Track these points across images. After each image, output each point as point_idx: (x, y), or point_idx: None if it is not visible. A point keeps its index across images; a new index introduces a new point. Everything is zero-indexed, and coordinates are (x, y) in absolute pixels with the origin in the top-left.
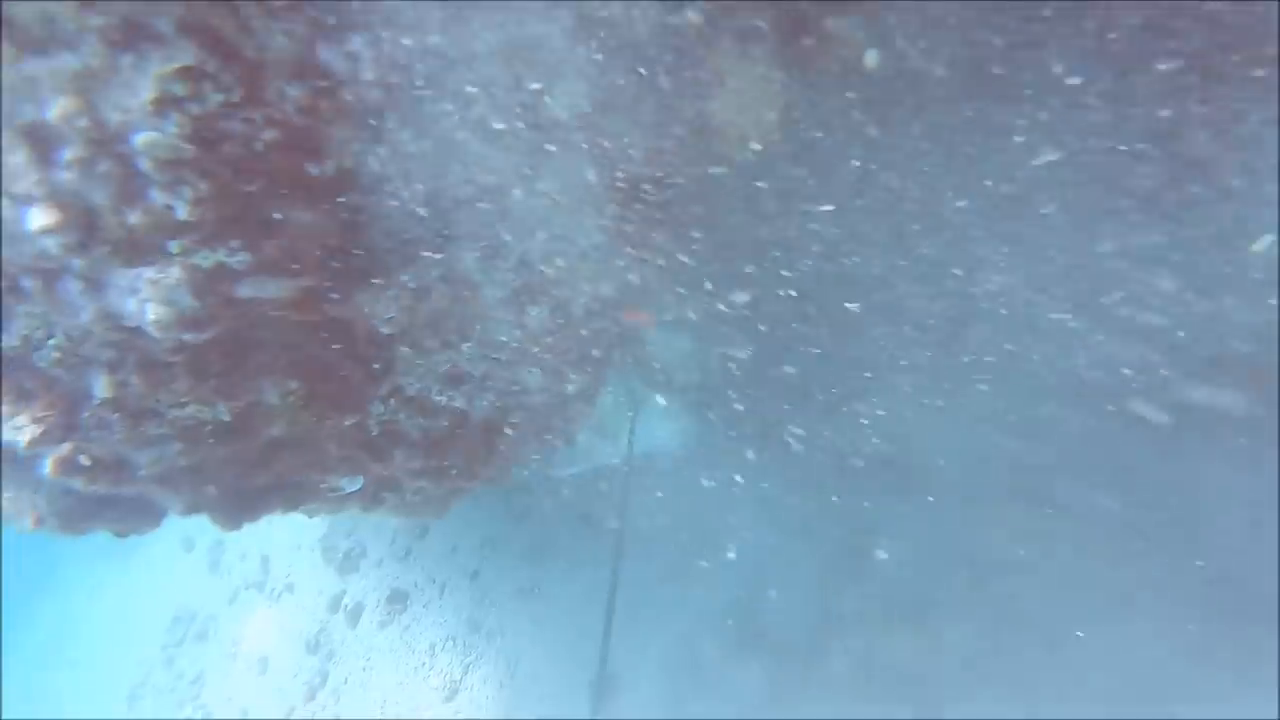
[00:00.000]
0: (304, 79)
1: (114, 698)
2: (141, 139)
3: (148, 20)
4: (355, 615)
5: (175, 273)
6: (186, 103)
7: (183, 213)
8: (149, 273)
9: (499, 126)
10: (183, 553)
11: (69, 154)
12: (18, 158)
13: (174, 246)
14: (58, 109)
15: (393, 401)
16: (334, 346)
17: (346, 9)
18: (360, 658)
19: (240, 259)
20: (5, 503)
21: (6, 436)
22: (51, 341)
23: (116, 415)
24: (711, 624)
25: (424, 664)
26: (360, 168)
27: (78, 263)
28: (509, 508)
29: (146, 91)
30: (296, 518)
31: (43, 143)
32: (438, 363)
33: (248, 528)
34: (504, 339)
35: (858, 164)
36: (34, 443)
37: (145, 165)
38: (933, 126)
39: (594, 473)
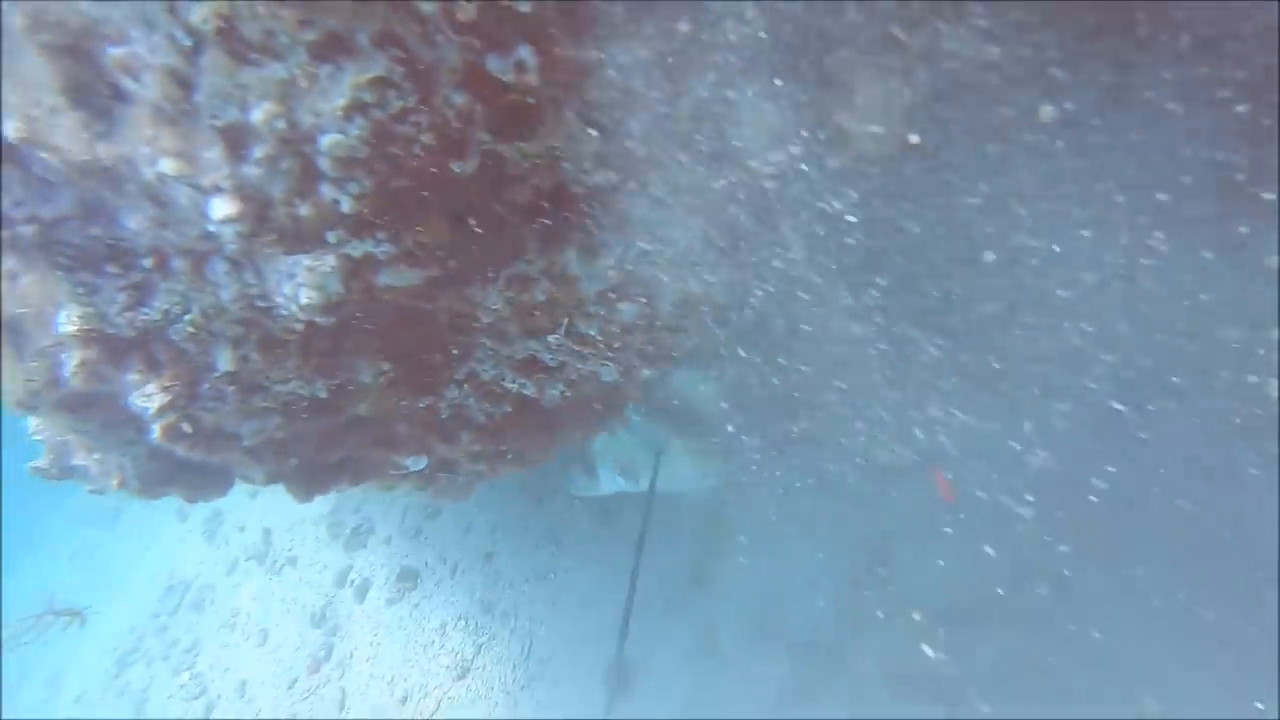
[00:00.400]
0: (468, 88)
1: (101, 663)
2: (328, 140)
3: (350, 34)
4: (363, 591)
5: (330, 260)
6: (372, 109)
7: (346, 206)
8: (307, 260)
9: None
10: (176, 522)
11: (260, 152)
12: (212, 154)
13: (332, 237)
14: (262, 113)
15: (466, 386)
16: (423, 331)
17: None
18: (368, 633)
19: (385, 249)
20: (93, 464)
21: (135, 403)
22: (187, 317)
23: (232, 388)
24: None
25: (434, 642)
26: (497, 168)
27: (233, 247)
28: (525, 491)
29: (340, 98)
30: None
31: (237, 142)
32: (517, 350)
33: (247, 502)
34: (590, 332)
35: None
36: (160, 410)
37: (324, 163)
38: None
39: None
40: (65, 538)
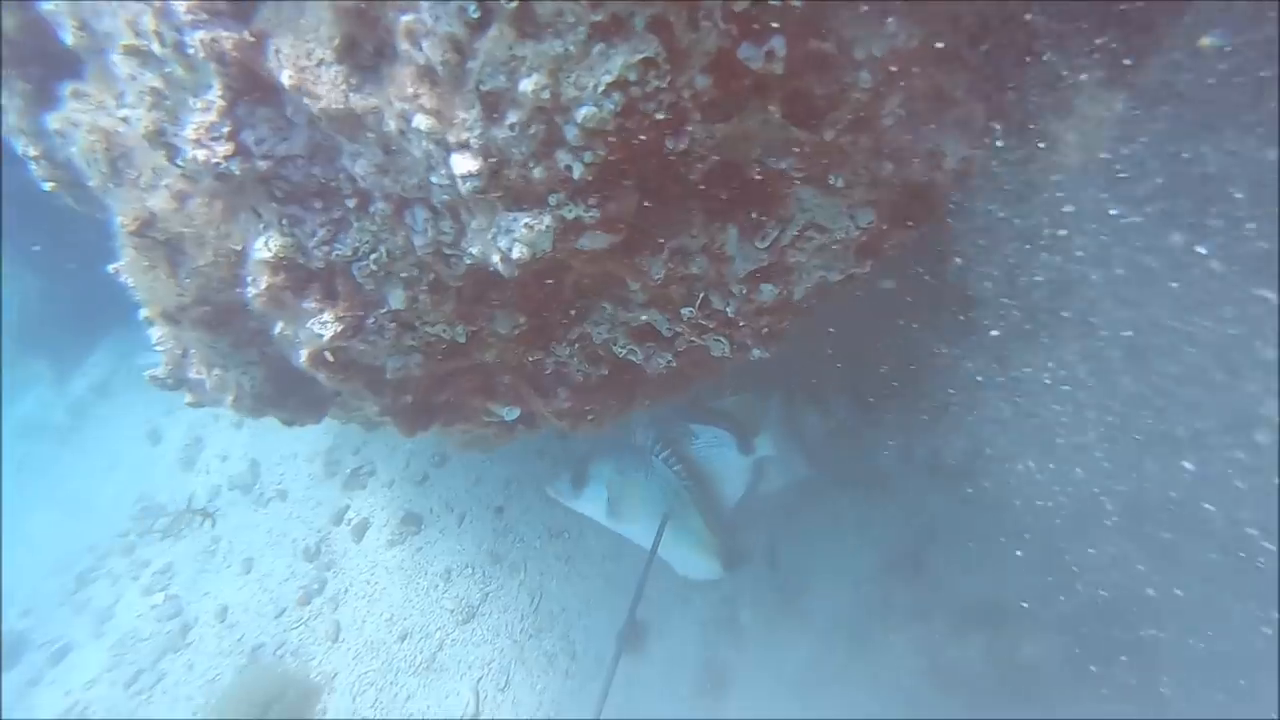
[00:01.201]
0: (713, 71)
1: (56, 580)
2: (584, 112)
3: (629, 17)
4: (361, 530)
5: (547, 220)
6: (632, 86)
7: (577, 173)
8: (526, 218)
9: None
10: (148, 445)
11: (514, 118)
12: (469, 115)
13: (553, 199)
14: (532, 83)
15: (576, 345)
16: (554, 289)
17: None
18: (364, 571)
19: (592, 214)
20: (210, 379)
21: (312, 329)
22: (373, 256)
23: (393, 325)
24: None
25: (438, 586)
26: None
27: (445, 198)
28: (541, 449)
29: (607, 76)
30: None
31: (495, 106)
32: (637, 317)
33: (231, 431)
34: (725, 309)
35: None
36: (334, 338)
37: (571, 133)
38: None
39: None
40: (7, 449)
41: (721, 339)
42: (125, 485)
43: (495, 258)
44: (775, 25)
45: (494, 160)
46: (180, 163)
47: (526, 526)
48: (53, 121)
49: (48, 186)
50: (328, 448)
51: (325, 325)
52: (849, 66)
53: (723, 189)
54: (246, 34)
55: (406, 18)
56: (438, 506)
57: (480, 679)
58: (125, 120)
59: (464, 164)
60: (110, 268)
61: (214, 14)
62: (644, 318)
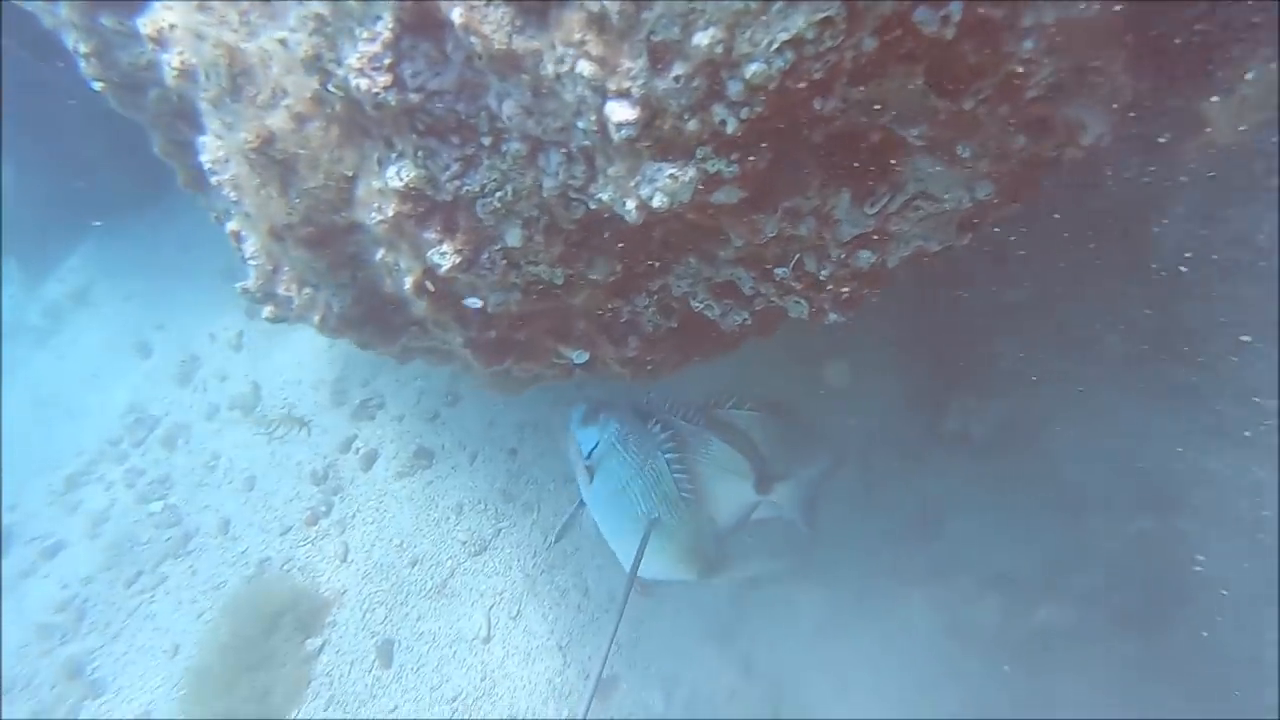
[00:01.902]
0: (882, 33)
1: (40, 480)
2: (753, 68)
3: None
4: (369, 459)
5: (691, 172)
6: (805, 45)
7: (731, 128)
8: (671, 169)
9: None
10: (137, 358)
11: (679, 69)
12: (634, 64)
13: (700, 152)
14: (708, 38)
15: (656, 296)
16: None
17: None
18: (373, 499)
19: (732, 170)
20: (299, 296)
21: (430, 258)
22: (498, 194)
23: (504, 262)
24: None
25: (449, 519)
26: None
27: (586, 143)
28: (556, 396)
29: (784, 34)
30: (297, 354)
31: (662, 59)
32: (720, 274)
33: (229, 353)
34: (820, 273)
35: None
36: (452, 269)
37: (734, 88)
38: None
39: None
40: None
41: (802, 301)
42: (111, 394)
43: (631, 204)
44: None
45: (651, 110)
46: (331, 88)
47: (540, 470)
48: (145, 26)
49: (96, 86)
50: (335, 378)
51: (444, 256)
52: (1013, 34)
53: (842, 151)
54: None
55: None
56: (449, 444)
57: (492, 607)
58: (255, 38)
59: (621, 112)
60: (214, 179)
61: None
62: (728, 274)
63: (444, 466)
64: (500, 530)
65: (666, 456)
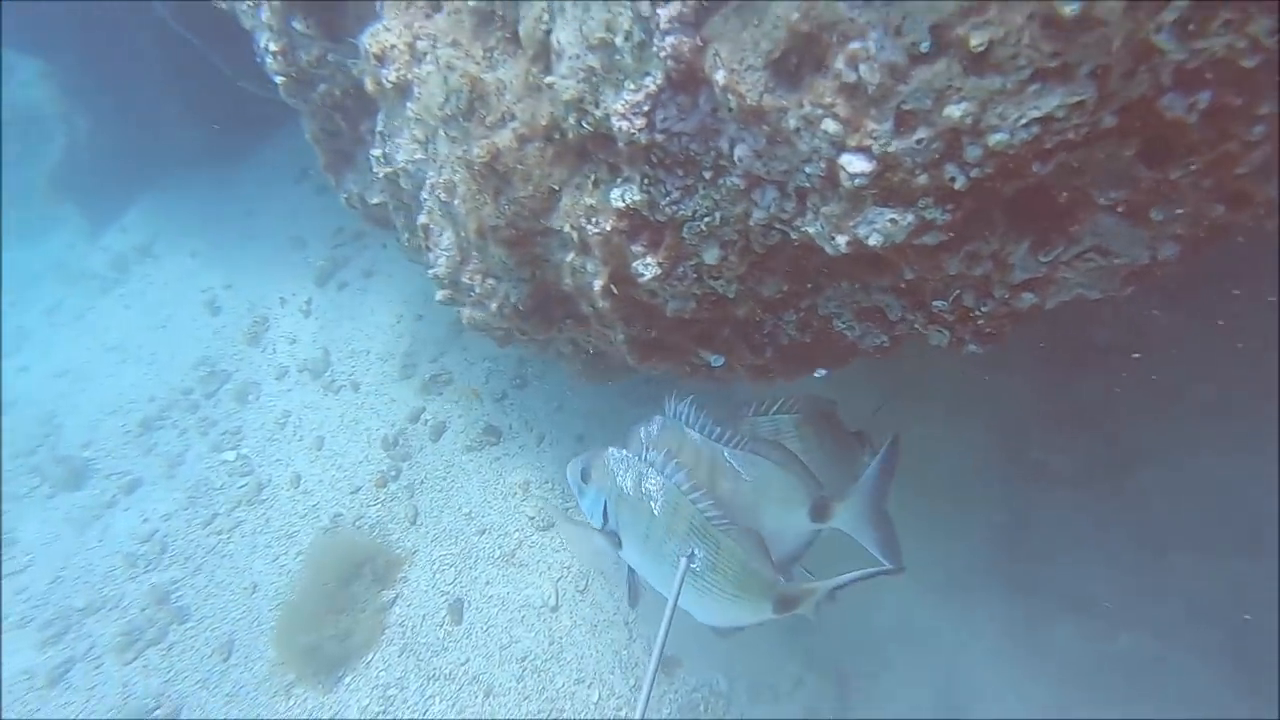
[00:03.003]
0: (1124, 114)
1: (114, 421)
2: (997, 139)
3: (1078, 65)
4: (438, 431)
5: (910, 219)
6: (1052, 123)
7: (960, 184)
8: (893, 214)
9: None
10: (207, 314)
11: (922, 134)
12: (880, 127)
13: (922, 202)
14: (959, 110)
15: (802, 313)
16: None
17: None
18: (441, 468)
19: (945, 218)
20: (481, 286)
21: (635, 268)
22: (707, 219)
23: (695, 275)
24: None
25: (516, 494)
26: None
27: (805, 184)
28: (623, 389)
29: (1035, 111)
30: (365, 326)
31: (907, 124)
32: (869, 299)
33: (299, 318)
34: (977, 309)
35: None
36: (654, 279)
37: (971, 152)
38: None
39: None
40: (34, 290)
41: (945, 331)
42: (181, 346)
43: (842, 240)
44: (1210, 77)
45: (885, 164)
46: (585, 124)
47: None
48: (370, 44)
49: (278, 80)
50: (404, 351)
51: (648, 267)
52: (1246, 120)
53: (1030, 205)
54: (698, 39)
55: (853, 45)
56: (517, 424)
57: (560, 579)
58: (494, 70)
59: (857, 164)
60: (428, 183)
61: (684, 22)
62: (878, 300)
63: (511, 445)
64: (568, 510)
65: (674, 479)
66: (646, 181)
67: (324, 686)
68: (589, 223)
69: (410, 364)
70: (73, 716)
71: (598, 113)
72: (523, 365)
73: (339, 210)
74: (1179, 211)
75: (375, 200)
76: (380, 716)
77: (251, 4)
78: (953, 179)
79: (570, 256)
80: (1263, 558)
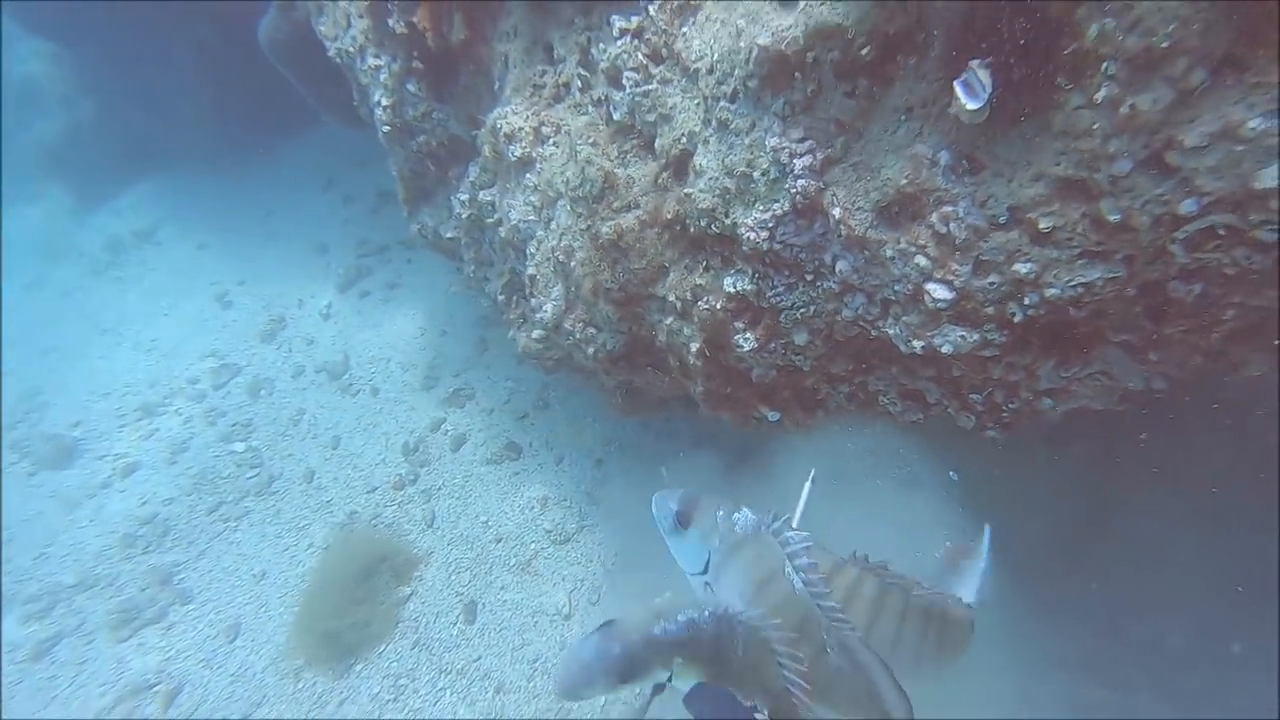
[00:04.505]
0: (1146, 289)
1: (108, 404)
2: (1051, 292)
3: (1114, 253)
4: (458, 442)
5: (976, 337)
6: (1093, 287)
7: (1017, 319)
8: (962, 332)
9: None
10: (217, 307)
11: (994, 279)
12: (962, 267)
13: (986, 326)
14: (1025, 268)
15: (853, 387)
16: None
17: None
18: (460, 477)
19: (1002, 339)
20: (582, 333)
21: (736, 340)
22: (802, 310)
23: (784, 351)
24: None
25: (534, 508)
26: None
27: (890, 296)
28: (644, 422)
29: (1081, 277)
30: (387, 336)
31: (983, 269)
32: (915, 384)
33: (318, 320)
34: (1000, 403)
35: None
36: (752, 351)
37: (1032, 299)
38: None
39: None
40: (12, 264)
41: (972, 417)
42: (187, 336)
43: (918, 344)
44: (1203, 274)
45: (961, 295)
46: (713, 228)
47: (623, 481)
48: (500, 124)
49: (384, 129)
50: (427, 363)
51: (748, 340)
52: (1223, 305)
53: (1057, 332)
54: (820, 183)
55: (946, 208)
56: (537, 443)
57: (573, 590)
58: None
59: (941, 292)
60: (538, 241)
61: (813, 170)
62: (921, 385)
63: (531, 462)
64: (583, 527)
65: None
66: (757, 275)
67: (335, 673)
68: (696, 298)
69: (433, 376)
70: (59, 691)
71: (727, 220)
72: (546, 389)
73: (365, 221)
74: (1170, 357)
75: (449, 235)
76: (391, 703)
77: (373, 67)
78: (1013, 314)
79: (669, 320)
80: None
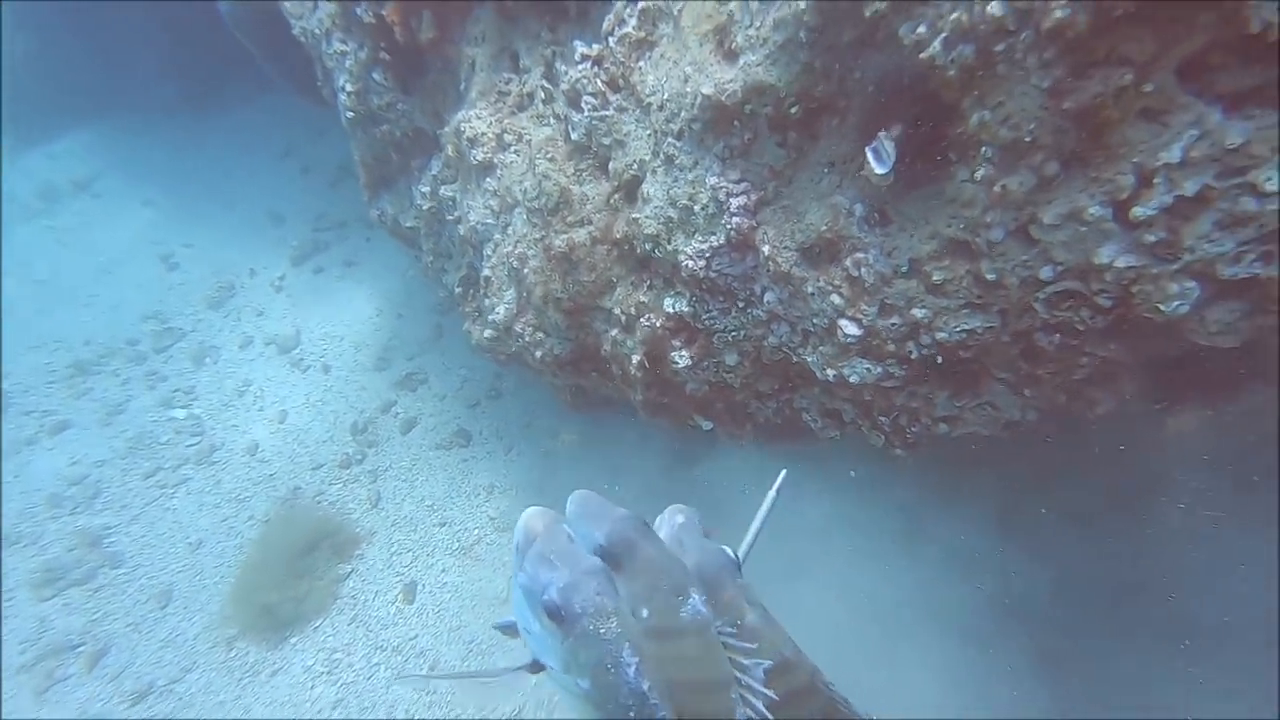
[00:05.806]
0: (1020, 335)
1: (38, 356)
2: (941, 335)
3: (989, 307)
4: (408, 426)
5: (879, 370)
6: (974, 333)
7: (914, 355)
8: (868, 364)
9: None
10: (161, 268)
11: (896, 320)
12: (870, 308)
13: (889, 361)
14: (920, 312)
15: (780, 404)
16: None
17: None
18: (408, 460)
19: (902, 372)
20: (532, 336)
21: (672, 357)
22: (733, 333)
23: (715, 369)
24: None
25: (480, 495)
26: None
27: (809, 328)
28: (598, 418)
29: (965, 324)
30: (340, 312)
31: (888, 312)
32: (833, 404)
33: (270, 292)
34: (905, 426)
35: None
36: (685, 367)
37: (927, 340)
38: None
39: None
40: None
41: (881, 436)
42: (127, 295)
43: (830, 373)
44: (1061, 328)
45: (868, 332)
46: (657, 252)
47: (572, 472)
48: (465, 127)
49: (349, 114)
50: (381, 344)
51: (682, 357)
52: (1080, 354)
53: (950, 367)
54: (753, 221)
55: (858, 254)
56: (487, 431)
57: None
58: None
59: (850, 329)
60: (495, 244)
61: (747, 209)
62: (839, 405)
63: (480, 450)
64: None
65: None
66: (694, 299)
67: (269, 644)
68: (639, 314)
69: (386, 358)
70: None
71: (669, 247)
72: (499, 378)
73: (323, 193)
74: (1041, 394)
75: (408, 224)
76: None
77: (339, 52)
78: (910, 351)
79: (614, 332)
80: None
